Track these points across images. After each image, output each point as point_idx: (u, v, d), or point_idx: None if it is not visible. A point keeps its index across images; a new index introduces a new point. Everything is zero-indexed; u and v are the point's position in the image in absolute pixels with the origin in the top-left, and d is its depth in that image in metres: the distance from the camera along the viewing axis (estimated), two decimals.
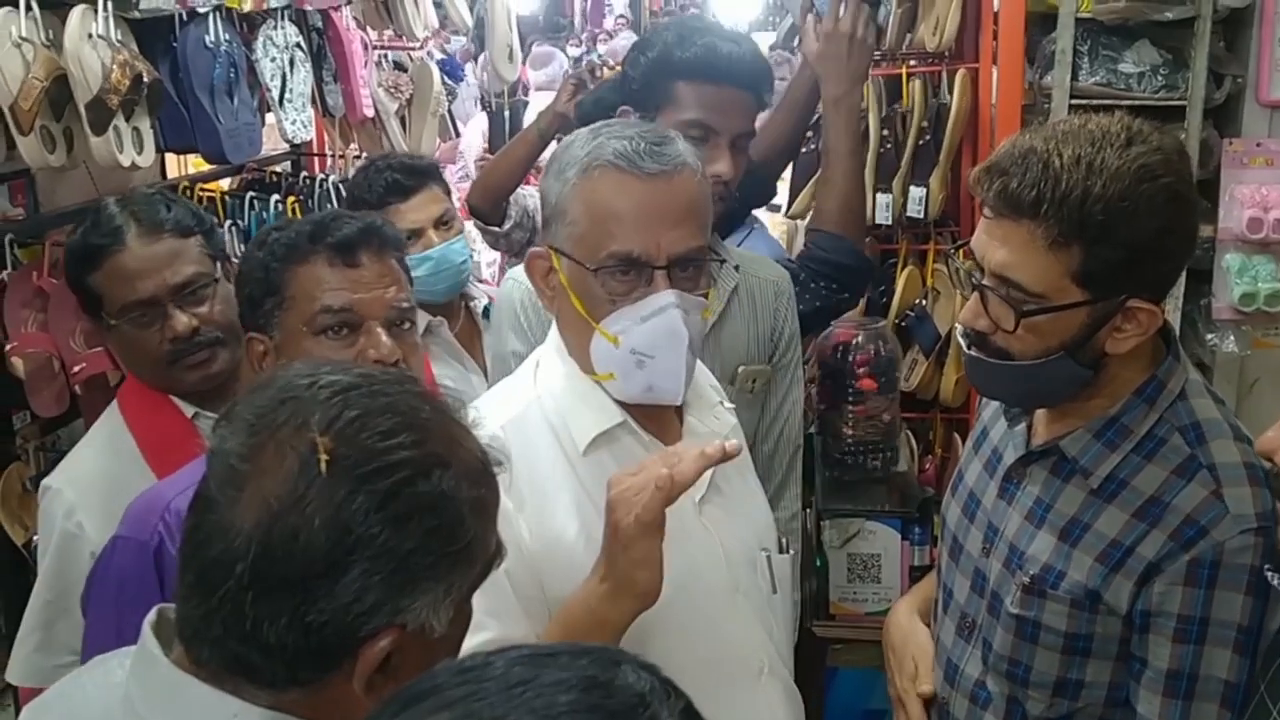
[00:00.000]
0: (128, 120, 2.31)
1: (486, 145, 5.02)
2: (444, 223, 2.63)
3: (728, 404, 1.67)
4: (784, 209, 3.13)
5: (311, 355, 1.61)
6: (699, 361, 1.63)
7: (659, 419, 1.52)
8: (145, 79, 2.29)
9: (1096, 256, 1.35)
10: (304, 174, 3.48)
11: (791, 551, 1.64)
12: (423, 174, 2.64)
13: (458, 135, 4.25)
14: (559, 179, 1.46)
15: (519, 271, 1.96)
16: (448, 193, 2.75)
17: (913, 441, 2.83)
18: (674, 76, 1.99)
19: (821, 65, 2.29)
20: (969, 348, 1.50)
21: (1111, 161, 1.33)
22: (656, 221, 1.42)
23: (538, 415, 1.49)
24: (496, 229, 3.24)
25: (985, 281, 1.43)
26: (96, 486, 1.82)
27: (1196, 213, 1.43)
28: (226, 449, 0.93)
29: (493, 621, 1.31)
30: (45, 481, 1.88)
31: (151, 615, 1.01)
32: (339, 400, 0.93)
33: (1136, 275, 1.37)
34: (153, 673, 0.97)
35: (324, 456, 0.89)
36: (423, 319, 2.57)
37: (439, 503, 0.93)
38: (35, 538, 2.38)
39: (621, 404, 1.49)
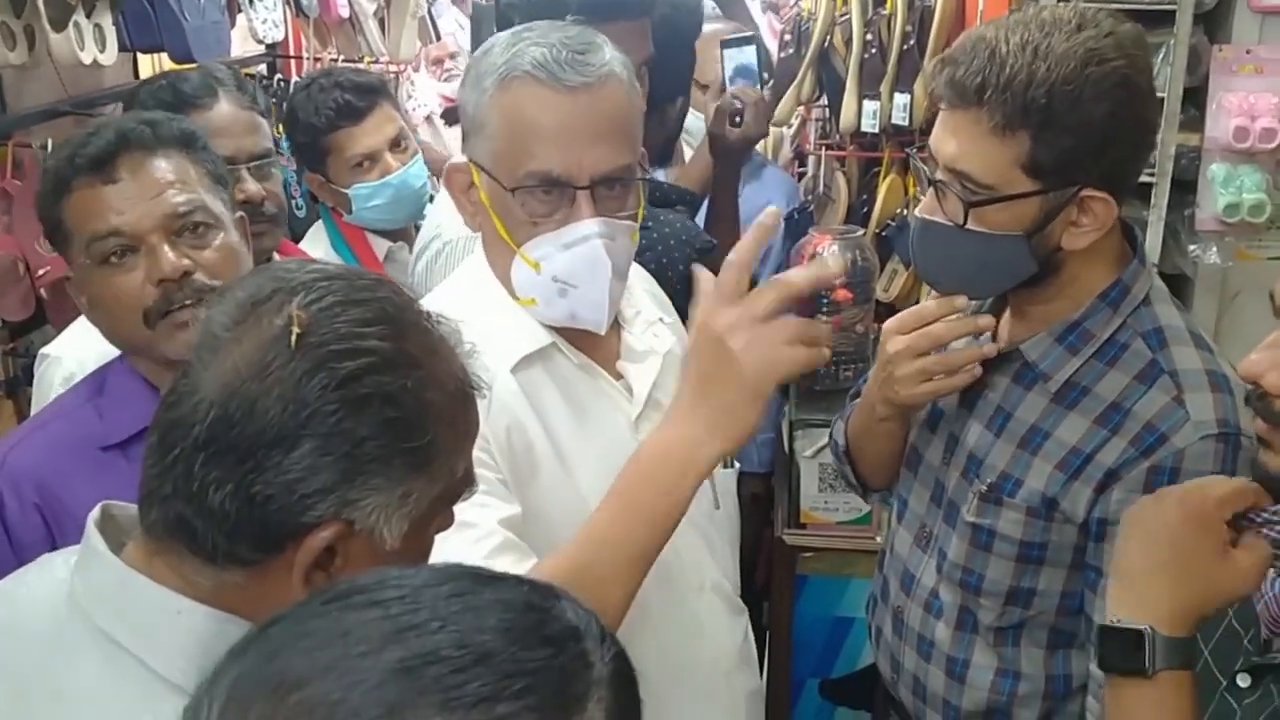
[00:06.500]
0: (89, 16, 2.26)
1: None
2: (398, 144, 2.49)
3: (668, 319, 1.60)
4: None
5: (106, 287, 1.47)
6: (642, 269, 1.57)
7: (594, 337, 1.46)
8: None
9: (1044, 143, 1.32)
10: (279, 77, 3.41)
11: (736, 465, 1.60)
12: (374, 92, 2.49)
13: (438, 38, 4.15)
14: (476, 89, 1.38)
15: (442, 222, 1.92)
16: (398, 109, 2.63)
17: None
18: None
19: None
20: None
21: (1058, 46, 1.30)
22: (579, 138, 1.34)
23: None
24: None
25: (938, 175, 1.40)
26: (97, 361, 1.76)
27: (1151, 100, 1.39)
28: (214, 318, 0.95)
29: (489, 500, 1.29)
30: (43, 350, 1.89)
31: (96, 512, 1.01)
32: (324, 285, 0.94)
33: (1087, 163, 1.34)
34: (98, 567, 0.97)
35: (296, 330, 0.90)
36: (381, 245, 2.53)
37: (400, 396, 0.92)
38: None
39: (551, 326, 1.44)
